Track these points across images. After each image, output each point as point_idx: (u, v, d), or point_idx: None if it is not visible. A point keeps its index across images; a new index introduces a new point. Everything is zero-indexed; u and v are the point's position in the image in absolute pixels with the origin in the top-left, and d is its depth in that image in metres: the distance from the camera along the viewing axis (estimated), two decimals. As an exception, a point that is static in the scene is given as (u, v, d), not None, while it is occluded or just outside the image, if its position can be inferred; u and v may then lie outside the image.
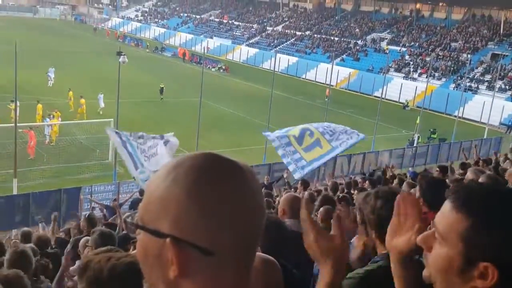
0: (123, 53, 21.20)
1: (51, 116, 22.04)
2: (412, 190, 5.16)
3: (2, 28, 59.68)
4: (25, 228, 8.26)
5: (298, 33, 59.36)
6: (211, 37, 63.81)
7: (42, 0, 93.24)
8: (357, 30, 55.96)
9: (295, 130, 10.93)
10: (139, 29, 73.23)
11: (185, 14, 75.16)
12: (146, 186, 0.88)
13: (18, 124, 16.94)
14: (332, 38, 55.60)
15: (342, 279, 1.35)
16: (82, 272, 1.67)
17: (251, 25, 65.51)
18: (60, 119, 22.13)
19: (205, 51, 36.75)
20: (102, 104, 26.42)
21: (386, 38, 52.90)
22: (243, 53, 57.18)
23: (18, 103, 17.95)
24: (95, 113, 25.32)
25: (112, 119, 19.54)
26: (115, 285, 1.59)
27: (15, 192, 15.32)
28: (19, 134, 17.26)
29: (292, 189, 11.66)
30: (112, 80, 20.04)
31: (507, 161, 10.31)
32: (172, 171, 0.84)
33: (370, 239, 2.47)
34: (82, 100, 25.16)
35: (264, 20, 66.11)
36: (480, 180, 4.21)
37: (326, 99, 30.01)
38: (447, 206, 1.10)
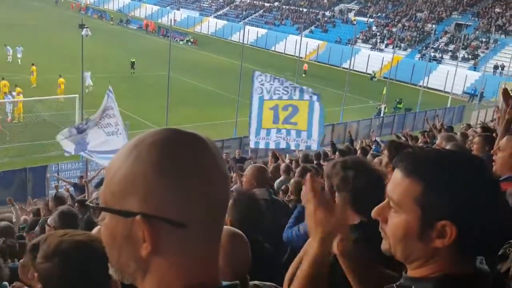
0: (85, 26, 20.49)
1: (13, 93, 21.23)
2: (376, 160, 5.29)
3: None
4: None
5: (267, 4, 58.62)
6: (178, 9, 62.16)
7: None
8: (325, 1, 55.73)
9: (268, 115, 10.97)
10: (102, 0, 70.69)
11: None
12: (107, 168, 0.86)
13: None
14: (301, 9, 55.24)
15: (328, 253, 1.39)
16: (41, 245, 1.71)
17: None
18: (21, 95, 21.32)
19: (172, 23, 35.83)
20: (89, 82, 25.14)
21: (354, 9, 52.96)
22: (211, 25, 56.13)
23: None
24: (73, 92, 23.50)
25: (77, 95, 19.00)
26: (58, 261, 1.63)
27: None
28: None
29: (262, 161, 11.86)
30: (78, 55, 19.39)
31: (470, 129, 10.64)
32: (133, 149, 0.82)
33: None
34: (61, 79, 23.96)
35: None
36: (447, 147, 4.32)
37: (303, 74, 30.09)
38: (397, 174, 1.14)
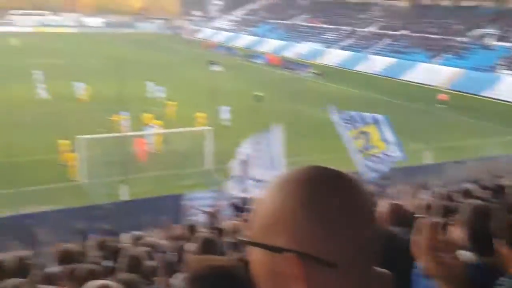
0: (216, 62, 21.83)
1: (154, 125, 23.38)
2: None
3: (105, 43, 65.46)
4: (137, 232, 8.73)
5: (394, 32, 57.13)
6: (302, 42, 63.77)
7: (140, 15, 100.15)
8: (458, 26, 52.40)
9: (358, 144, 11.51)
10: (230, 38, 75.44)
11: (274, 21, 75.98)
12: (257, 202, 0.88)
13: (126, 134, 18.22)
14: (432, 36, 52.66)
15: None
16: (184, 270, 1.88)
17: (342, 27, 64.39)
18: (161, 128, 23.35)
19: (296, 57, 36.64)
20: (227, 116, 26.37)
21: (492, 34, 48.87)
22: (335, 56, 56.31)
23: (126, 114, 19.30)
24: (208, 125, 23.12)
25: (210, 128, 20.17)
26: (199, 286, 1.73)
27: (122, 198, 16.34)
28: (127, 143, 18.51)
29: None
30: (211, 90, 20.73)
31: None
32: (284, 186, 0.84)
33: (499, 257, 2.13)
34: (200, 114, 25.22)
35: (355, 22, 64.64)
36: None
37: (440, 105, 28.36)
38: None
